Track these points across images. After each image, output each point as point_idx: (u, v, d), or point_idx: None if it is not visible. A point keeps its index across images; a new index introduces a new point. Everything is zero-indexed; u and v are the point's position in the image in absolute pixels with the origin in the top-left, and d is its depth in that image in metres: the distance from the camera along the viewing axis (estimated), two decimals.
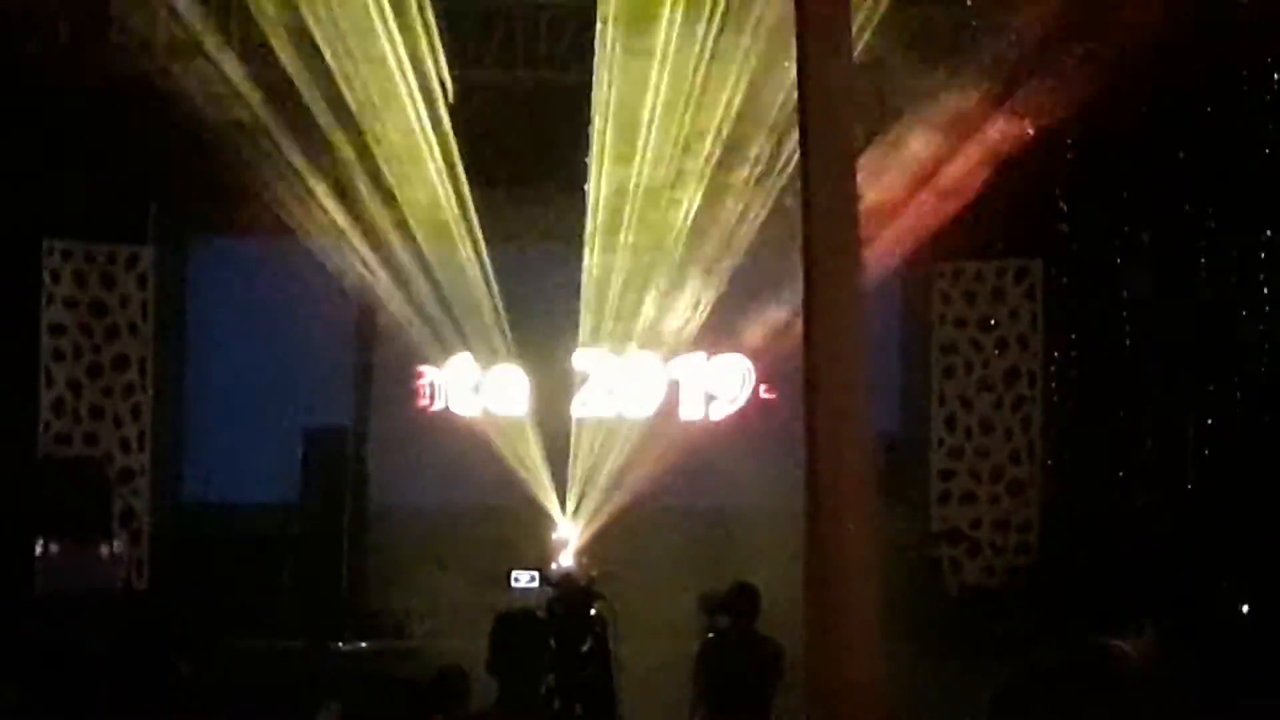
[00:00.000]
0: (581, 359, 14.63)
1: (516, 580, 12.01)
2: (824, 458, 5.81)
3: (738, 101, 13.22)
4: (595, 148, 13.51)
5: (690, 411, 14.76)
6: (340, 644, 14.29)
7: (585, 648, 10.34)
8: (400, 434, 15.08)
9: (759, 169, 13.79)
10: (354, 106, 13.23)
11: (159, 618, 11.63)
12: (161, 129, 12.97)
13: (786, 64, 10.05)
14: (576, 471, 14.42)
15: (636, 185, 13.77)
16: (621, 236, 14.11)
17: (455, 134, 13.56)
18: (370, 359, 15.61)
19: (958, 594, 15.07)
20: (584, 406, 14.60)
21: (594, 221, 13.97)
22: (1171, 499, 14.11)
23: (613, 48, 12.97)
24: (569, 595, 10.62)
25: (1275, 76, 12.62)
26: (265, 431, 14.72)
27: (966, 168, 13.57)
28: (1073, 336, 14.93)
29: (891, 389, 15.34)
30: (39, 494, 14.23)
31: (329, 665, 13.47)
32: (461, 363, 14.76)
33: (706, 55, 12.97)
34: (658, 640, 11.60)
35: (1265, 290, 13.68)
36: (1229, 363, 13.97)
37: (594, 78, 13.11)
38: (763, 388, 14.74)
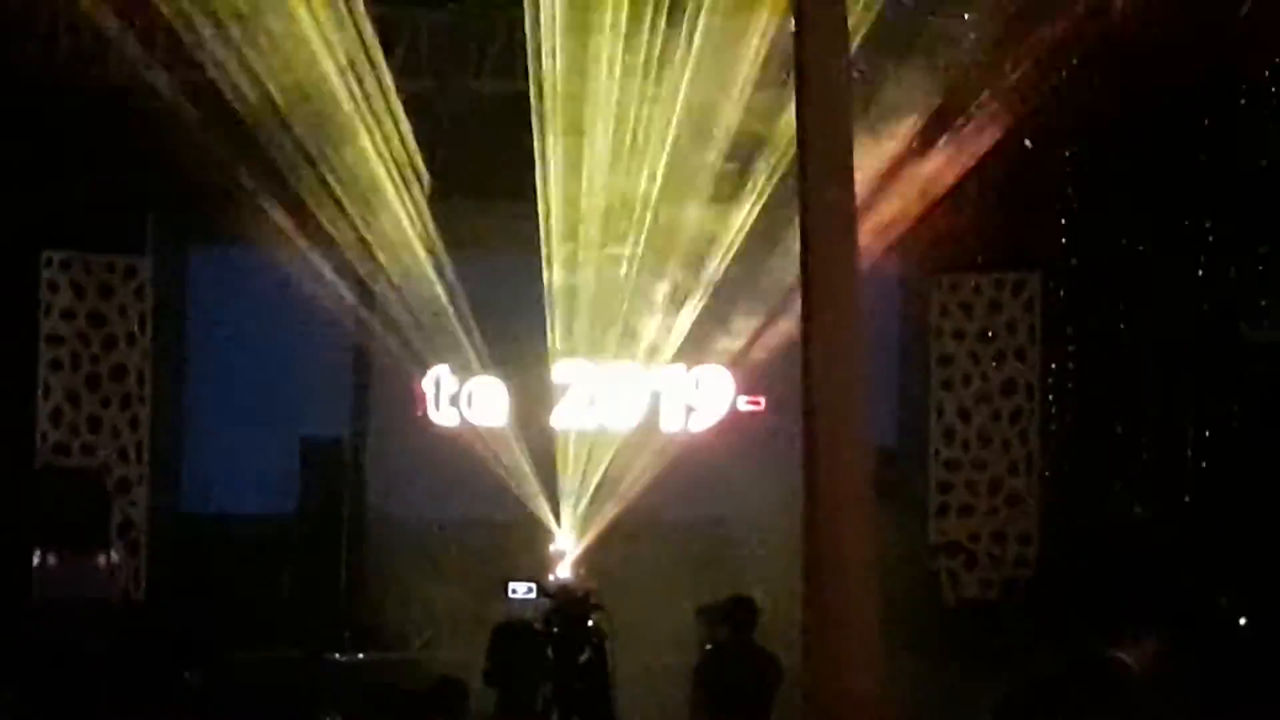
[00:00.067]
0: (560, 370, 14.64)
1: (514, 591, 12.00)
2: (822, 468, 5.81)
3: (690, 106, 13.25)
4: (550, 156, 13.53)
5: (670, 423, 14.77)
6: (338, 654, 14.28)
7: (583, 659, 10.35)
8: (398, 444, 15.09)
9: (727, 176, 13.84)
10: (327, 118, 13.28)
11: (159, 628, 11.64)
12: (161, 138, 12.96)
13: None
14: (569, 483, 14.42)
15: (591, 194, 13.80)
16: (581, 247, 14.14)
17: (429, 141, 13.59)
18: (368, 369, 15.62)
19: (955, 606, 15.05)
20: (564, 418, 14.61)
21: (550, 232, 13.98)
22: (1170, 511, 14.11)
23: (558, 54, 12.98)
24: (566, 607, 10.61)
25: (1273, 86, 12.64)
26: (263, 441, 14.72)
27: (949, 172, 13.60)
28: (1070, 349, 14.94)
29: (889, 401, 15.34)
30: (37, 504, 14.20)
31: (327, 676, 13.47)
32: (440, 374, 14.76)
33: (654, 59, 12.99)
34: (656, 651, 11.59)
35: (1264, 303, 13.70)
36: (1227, 375, 13.98)
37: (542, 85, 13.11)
38: (744, 399, 14.76)
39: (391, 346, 14.77)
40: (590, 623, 10.52)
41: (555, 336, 14.47)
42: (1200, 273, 13.83)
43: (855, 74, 7.94)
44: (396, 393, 14.99)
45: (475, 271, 14.59)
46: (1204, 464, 14.27)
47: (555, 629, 10.36)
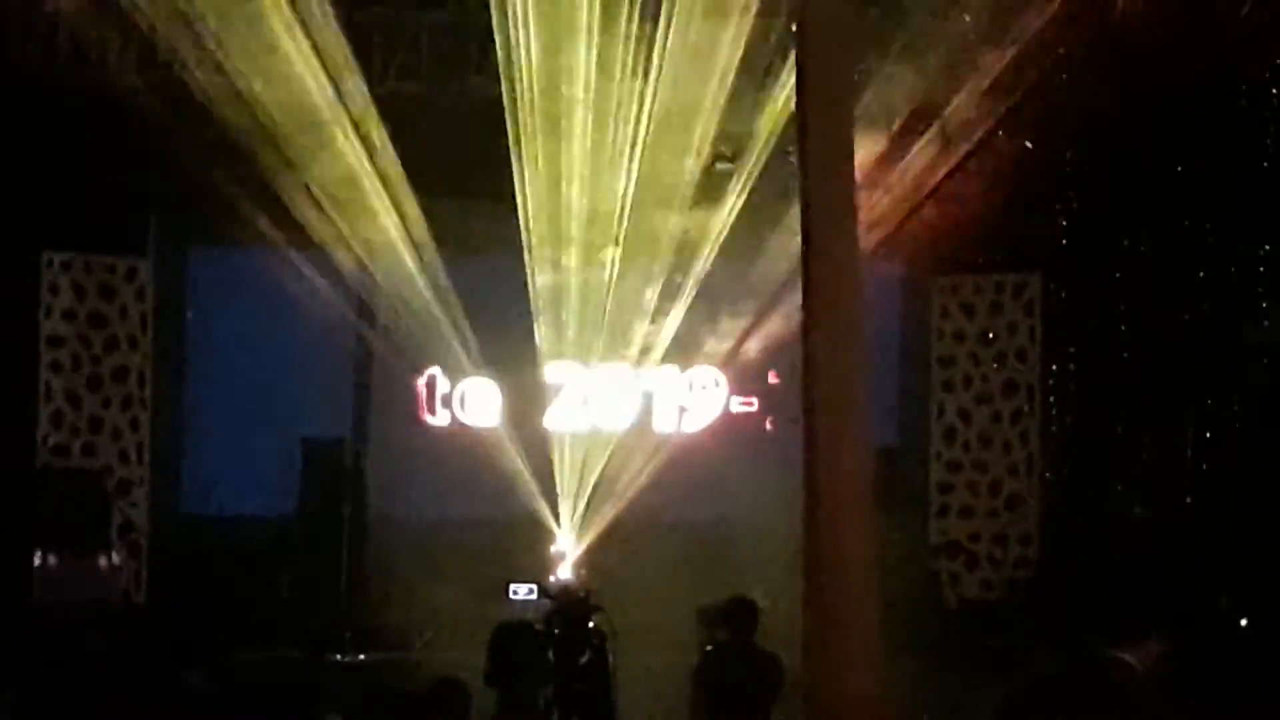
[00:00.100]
0: (553, 371, 14.65)
1: (515, 593, 12.02)
2: (822, 468, 5.81)
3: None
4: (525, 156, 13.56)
5: (664, 424, 14.79)
6: (339, 655, 14.29)
7: (584, 660, 10.35)
8: (399, 445, 15.10)
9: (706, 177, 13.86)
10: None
11: (160, 629, 11.63)
12: (162, 140, 12.97)
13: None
14: (568, 484, 14.44)
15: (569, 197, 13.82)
16: (562, 249, 14.16)
17: (418, 142, 13.61)
18: (368, 370, 15.63)
19: (956, 607, 15.06)
20: (558, 419, 14.62)
21: (531, 232, 13.99)
22: (1170, 512, 14.11)
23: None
24: (567, 608, 10.62)
25: (1273, 86, 12.63)
26: (264, 443, 14.73)
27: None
28: (1071, 350, 14.94)
29: (890, 401, 15.36)
30: (37, 506, 14.21)
31: (328, 676, 13.48)
32: (434, 375, 14.78)
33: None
34: (656, 652, 11.59)
35: (1264, 304, 13.69)
36: (1227, 376, 13.97)
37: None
38: (738, 400, 14.79)
39: (386, 348, 14.81)
40: (591, 624, 10.52)
41: (543, 337, 14.50)
42: (1200, 273, 13.82)
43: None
44: (397, 393, 15.02)
45: (467, 272, 14.61)
46: (1204, 465, 14.27)
47: (556, 630, 10.37)
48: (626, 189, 13.73)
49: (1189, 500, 14.12)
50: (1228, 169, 13.16)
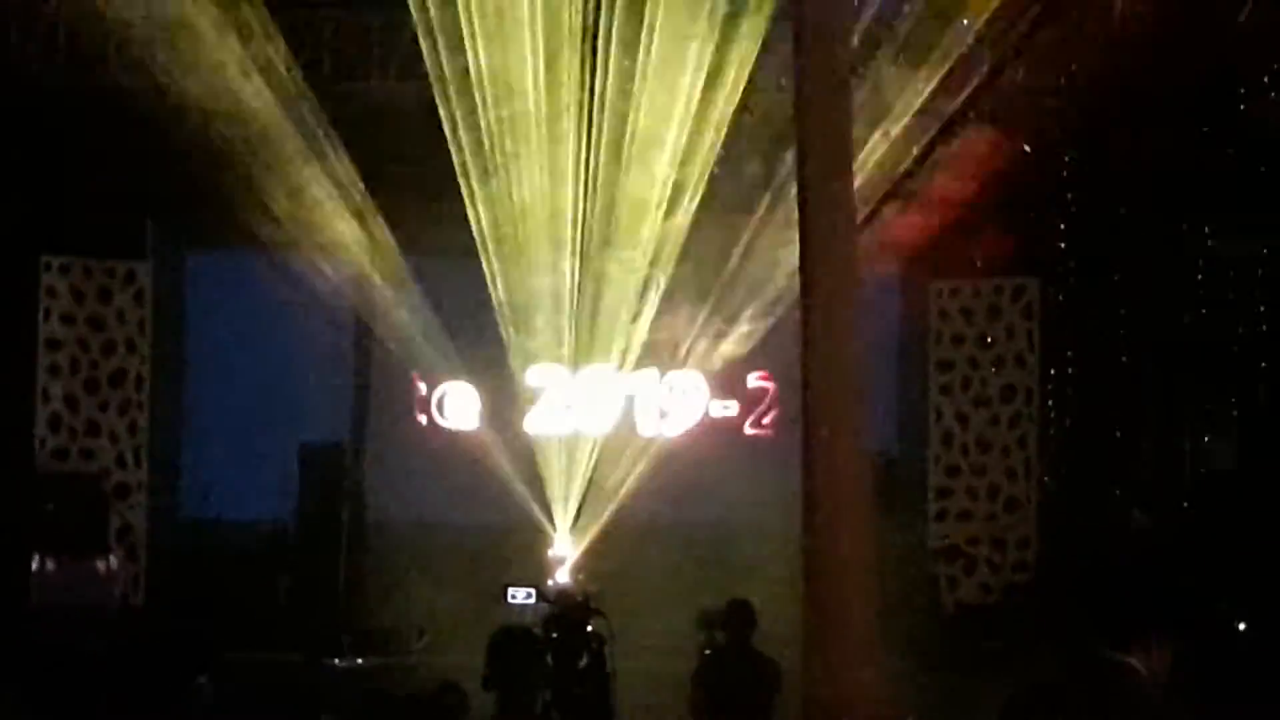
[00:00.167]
0: (533, 375, 14.64)
1: (513, 597, 11.99)
2: (821, 471, 5.81)
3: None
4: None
5: (646, 427, 14.79)
6: (337, 659, 14.27)
7: (582, 664, 10.32)
8: (397, 449, 15.09)
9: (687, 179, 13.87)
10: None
11: (158, 632, 11.62)
12: (160, 144, 12.96)
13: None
14: (559, 489, 14.43)
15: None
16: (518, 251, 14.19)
17: (397, 143, 13.61)
18: (367, 374, 15.63)
19: (954, 611, 15.05)
20: (538, 423, 14.61)
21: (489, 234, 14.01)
22: (1168, 516, 14.11)
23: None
24: (566, 612, 10.59)
25: (1273, 86, 12.63)
26: (262, 447, 14.73)
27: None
28: (1069, 354, 14.93)
29: (888, 405, 15.36)
30: (36, 509, 14.20)
31: (326, 680, 13.46)
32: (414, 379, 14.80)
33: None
34: (655, 656, 11.58)
35: (1263, 308, 13.70)
36: (1226, 380, 13.97)
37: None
38: (723, 404, 14.80)
39: (377, 352, 14.82)
40: (589, 628, 10.50)
41: (515, 342, 14.50)
42: (1200, 275, 13.82)
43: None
44: (395, 398, 15.01)
45: (447, 276, 14.62)
46: (1202, 469, 14.27)
47: (554, 634, 10.34)
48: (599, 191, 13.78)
49: (1187, 504, 14.12)
50: (1228, 169, 13.15)
